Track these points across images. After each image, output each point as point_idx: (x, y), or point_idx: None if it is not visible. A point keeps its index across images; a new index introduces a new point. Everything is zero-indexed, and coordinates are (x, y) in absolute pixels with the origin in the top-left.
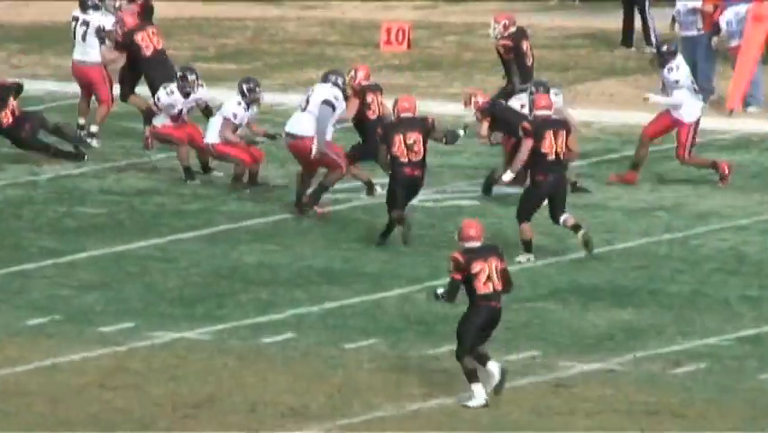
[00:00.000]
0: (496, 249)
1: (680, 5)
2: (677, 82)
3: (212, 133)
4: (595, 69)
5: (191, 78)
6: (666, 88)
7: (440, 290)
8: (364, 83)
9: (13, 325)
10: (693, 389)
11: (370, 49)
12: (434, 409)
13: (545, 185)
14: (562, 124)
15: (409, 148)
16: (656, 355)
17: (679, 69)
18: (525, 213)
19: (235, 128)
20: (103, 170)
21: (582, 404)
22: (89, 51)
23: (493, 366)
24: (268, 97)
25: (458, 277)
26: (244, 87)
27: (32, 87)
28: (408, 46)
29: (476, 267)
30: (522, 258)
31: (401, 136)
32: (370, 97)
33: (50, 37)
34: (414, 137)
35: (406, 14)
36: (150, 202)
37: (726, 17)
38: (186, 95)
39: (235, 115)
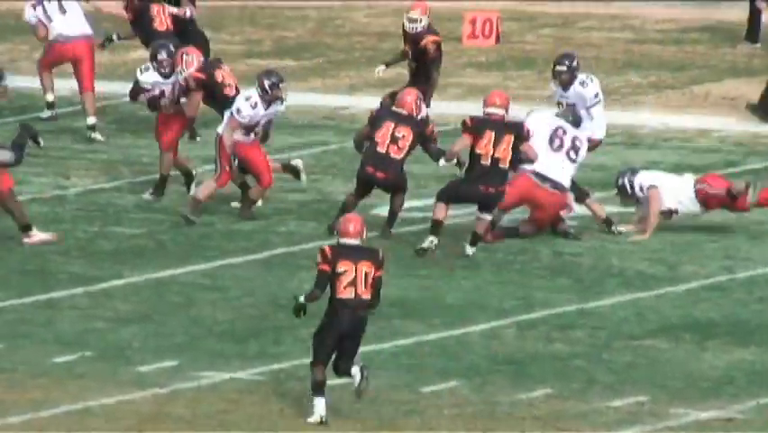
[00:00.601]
0: (374, 253)
1: None
2: None
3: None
4: (714, 67)
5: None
6: None
7: (302, 298)
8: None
9: (39, 363)
10: None
11: (452, 43)
12: None
13: (474, 189)
14: (510, 128)
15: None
16: None
17: None
18: (446, 194)
19: (245, 128)
20: (141, 184)
21: None
22: (72, 24)
23: (354, 370)
24: (332, 100)
25: (326, 268)
26: (266, 82)
27: (57, 85)
28: (497, 40)
29: (341, 267)
30: (426, 242)
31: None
32: (219, 75)
33: None
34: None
35: (495, 4)
36: (195, 221)
37: None
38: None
39: (239, 111)
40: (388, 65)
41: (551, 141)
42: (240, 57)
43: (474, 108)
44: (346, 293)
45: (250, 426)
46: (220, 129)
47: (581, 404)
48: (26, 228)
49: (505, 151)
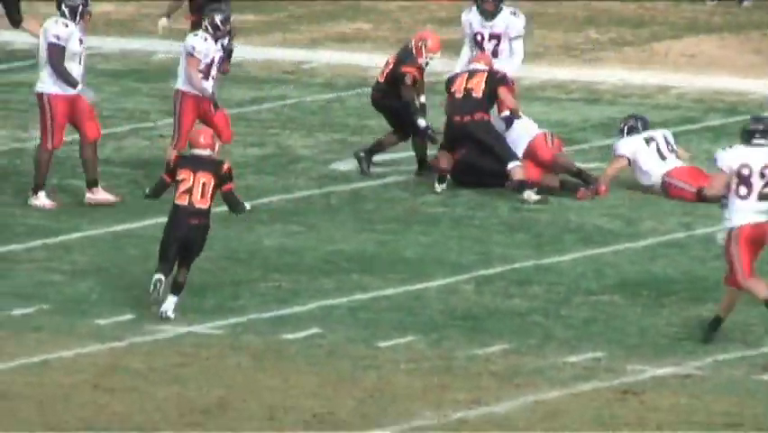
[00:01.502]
0: (218, 165)
1: None
2: None
3: (180, 78)
4: (674, 24)
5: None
6: None
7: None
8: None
9: None
10: None
11: None
12: (482, 419)
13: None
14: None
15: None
16: (740, 359)
17: None
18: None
19: (203, 72)
20: (101, 138)
21: (653, 414)
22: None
23: (168, 304)
24: (293, 54)
25: (167, 178)
26: (216, 18)
27: (16, 38)
28: None
29: (181, 174)
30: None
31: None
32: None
33: None
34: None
35: None
36: (154, 175)
37: None
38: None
39: (194, 48)
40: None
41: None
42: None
43: (435, 63)
44: (181, 200)
45: (206, 379)
46: (180, 84)
47: (538, 360)
48: (93, 183)
49: (477, 84)
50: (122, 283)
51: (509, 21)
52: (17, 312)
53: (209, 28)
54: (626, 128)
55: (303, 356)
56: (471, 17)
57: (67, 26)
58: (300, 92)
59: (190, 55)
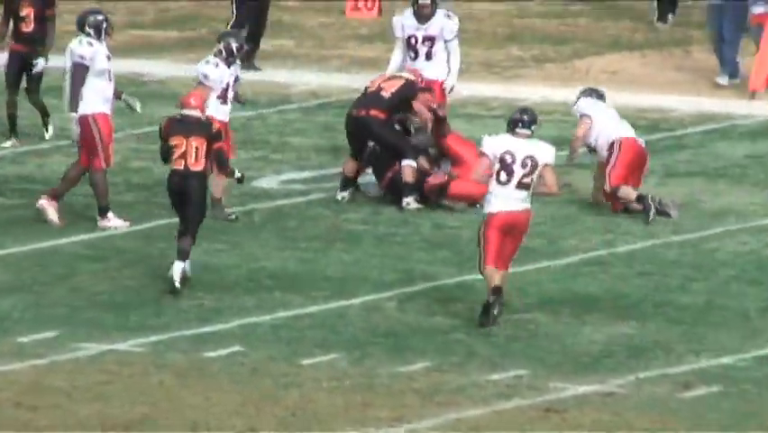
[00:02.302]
0: (208, 127)
1: None
2: None
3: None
4: (596, 41)
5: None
6: None
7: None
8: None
9: None
10: (705, 415)
11: (335, 15)
12: None
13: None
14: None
15: None
16: (662, 376)
17: None
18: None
19: (220, 97)
20: (22, 154)
21: (576, 432)
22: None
23: (174, 271)
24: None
25: (162, 142)
26: (233, 43)
27: None
28: (379, 13)
29: (174, 141)
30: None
31: None
32: None
33: None
34: None
35: None
36: (77, 192)
37: None
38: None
39: (206, 77)
40: None
41: None
42: (122, 27)
43: (356, 79)
44: (177, 165)
45: (129, 397)
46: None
47: (461, 378)
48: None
49: (391, 86)
50: (44, 301)
51: (444, 23)
52: None
53: (224, 53)
54: (581, 95)
55: (225, 374)
56: (404, 20)
57: (91, 45)
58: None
59: (201, 85)
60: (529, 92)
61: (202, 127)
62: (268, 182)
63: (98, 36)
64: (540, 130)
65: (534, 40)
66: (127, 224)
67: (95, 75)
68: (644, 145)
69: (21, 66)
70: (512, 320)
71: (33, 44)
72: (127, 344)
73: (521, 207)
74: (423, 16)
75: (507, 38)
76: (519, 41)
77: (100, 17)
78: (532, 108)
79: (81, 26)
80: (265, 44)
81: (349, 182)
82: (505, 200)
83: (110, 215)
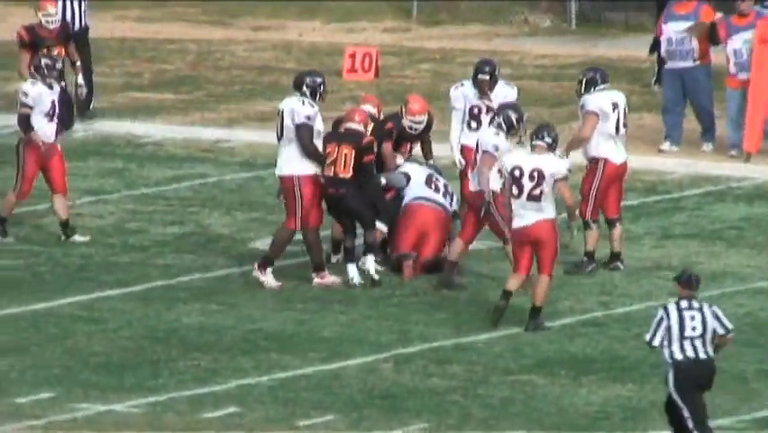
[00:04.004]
0: (360, 137)
1: (670, 31)
2: None
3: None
4: None
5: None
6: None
7: None
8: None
9: None
10: None
11: (332, 77)
12: None
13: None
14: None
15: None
16: None
17: None
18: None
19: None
20: (19, 216)
21: None
22: None
23: (349, 271)
24: (211, 133)
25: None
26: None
27: None
28: (376, 75)
29: (328, 149)
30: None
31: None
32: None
33: None
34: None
35: (374, 38)
36: (73, 253)
37: (734, 46)
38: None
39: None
40: None
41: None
42: (118, 89)
43: None
44: (327, 171)
45: None
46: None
47: None
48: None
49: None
50: (41, 362)
51: (506, 92)
52: None
53: (312, 94)
54: (584, 80)
55: None
56: (466, 91)
57: (312, 107)
58: (219, 170)
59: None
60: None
61: (355, 136)
62: (264, 244)
63: (313, 97)
64: None
65: (529, 101)
66: (279, 285)
67: (315, 137)
68: (626, 165)
69: None
70: (508, 381)
71: None
72: (124, 405)
73: (537, 218)
74: (484, 89)
75: None
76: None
77: (318, 79)
78: (549, 123)
79: (298, 86)
80: (264, 105)
81: (339, 245)
82: (520, 215)
83: (268, 270)
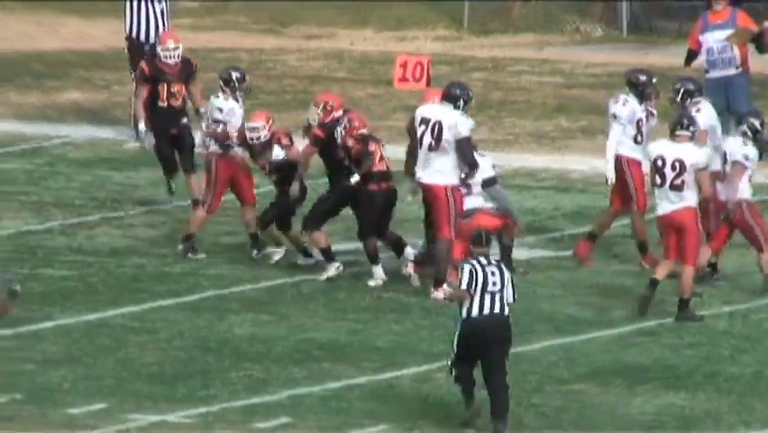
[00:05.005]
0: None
1: (710, 41)
2: None
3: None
4: None
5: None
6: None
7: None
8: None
9: None
10: None
11: (383, 87)
12: None
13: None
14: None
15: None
16: None
17: None
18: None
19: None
20: (72, 226)
21: None
22: None
23: (408, 251)
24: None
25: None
26: (461, 92)
27: None
28: (427, 83)
29: (371, 147)
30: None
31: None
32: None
33: (8, 70)
34: None
35: (425, 47)
36: (126, 264)
37: None
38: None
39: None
40: None
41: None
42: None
43: (403, 150)
44: (380, 166)
45: None
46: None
47: None
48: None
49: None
50: (94, 373)
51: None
52: None
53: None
54: (682, 91)
55: None
56: (634, 106)
57: (468, 119)
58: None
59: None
60: (578, 163)
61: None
62: (317, 254)
63: (463, 109)
64: (589, 201)
65: (582, 110)
66: None
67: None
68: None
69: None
70: (562, 391)
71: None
72: (176, 415)
73: (677, 206)
74: (648, 96)
75: (556, 109)
76: (568, 111)
77: (471, 93)
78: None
79: (453, 99)
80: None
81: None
82: (663, 203)
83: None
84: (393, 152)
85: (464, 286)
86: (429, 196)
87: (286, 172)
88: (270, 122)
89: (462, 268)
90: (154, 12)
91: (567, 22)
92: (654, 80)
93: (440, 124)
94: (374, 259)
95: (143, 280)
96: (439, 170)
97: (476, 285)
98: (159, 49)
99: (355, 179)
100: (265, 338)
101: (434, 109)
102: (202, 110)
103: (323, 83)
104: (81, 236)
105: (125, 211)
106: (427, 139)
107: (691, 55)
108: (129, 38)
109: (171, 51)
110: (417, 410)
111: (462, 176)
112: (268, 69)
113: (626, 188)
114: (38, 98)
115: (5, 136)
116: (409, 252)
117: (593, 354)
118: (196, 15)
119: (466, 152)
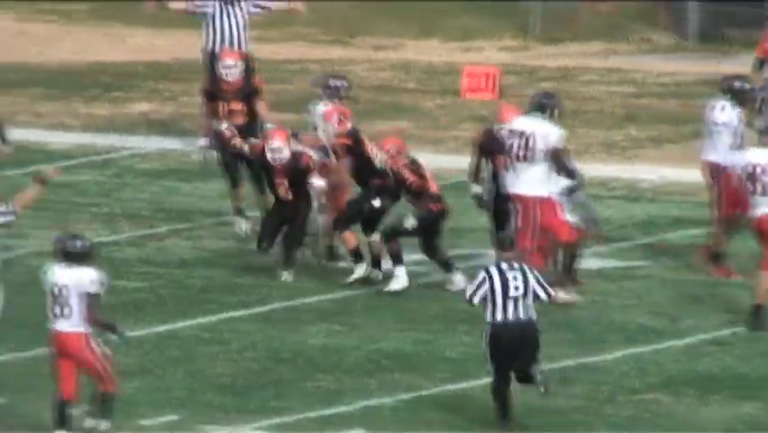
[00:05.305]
0: None
1: None
2: None
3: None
4: None
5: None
6: None
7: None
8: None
9: (40, 417)
10: None
11: (451, 97)
12: None
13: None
14: None
15: None
16: None
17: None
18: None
19: None
20: (141, 238)
21: None
22: None
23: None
24: None
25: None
26: (550, 101)
27: (56, 138)
28: (498, 94)
29: (423, 170)
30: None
31: None
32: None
33: (76, 81)
34: None
35: (493, 57)
36: (195, 275)
37: None
38: None
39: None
40: None
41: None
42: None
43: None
44: (433, 188)
45: None
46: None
47: None
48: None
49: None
50: (165, 384)
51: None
52: None
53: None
54: (761, 100)
55: None
56: (730, 111)
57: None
58: None
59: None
60: (649, 172)
61: None
62: (386, 264)
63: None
64: (660, 210)
65: (652, 120)
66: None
67: None
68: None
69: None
70: (633, 401)
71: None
72: (250, 426)
73: (765, 210)
74: (748, 102)
75: (626, 118)
76: (637, 121)
77: (555, 100)
78: None
79: (541, 108)
80: (383, 125)
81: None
82: (759, 207)
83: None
84: (458, 162)
85: (468, 293)
86: (516, 205)
87: (337, 192)
88: (290, 140)
89: (477, 274)
90: (237, 25)
91: (634, 30)
92: (756, 88)
93: (533, 135)
94: (398, 259)
95: (213, 292)
96: (527, 181)
97: (492, 292)
98: (218, 66)
99: (377, 203)
100: (336, 349)
101: (524, 121)
102: (268, 126)
103: (391, 94)
104: (151, 248)
105: (193, 222)
106: (517, 150)
107: (761, 63)
108: (204, 50)
109: (230, 69)
110: (490, 420)
111: (567, 186)
112: None
113: (732, 194)
114: (106, 110)
115: (75, 148)
116: (459, 280)
117: (665, 363)
118: (260, 27)
119: (560, 161)
